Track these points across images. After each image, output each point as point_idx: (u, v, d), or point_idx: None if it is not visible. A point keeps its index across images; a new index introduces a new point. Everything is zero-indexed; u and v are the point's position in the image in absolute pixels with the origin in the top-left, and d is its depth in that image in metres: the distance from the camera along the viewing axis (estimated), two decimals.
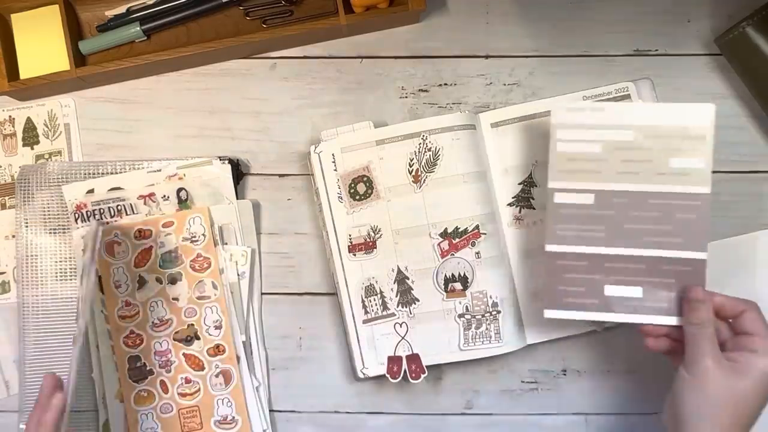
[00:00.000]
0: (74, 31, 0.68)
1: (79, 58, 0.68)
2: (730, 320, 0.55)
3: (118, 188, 0.66)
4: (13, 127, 0.69)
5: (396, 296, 0.65)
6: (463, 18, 0.69)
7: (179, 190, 0.66)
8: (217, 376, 0.64)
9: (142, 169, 0.67)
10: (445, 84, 0.69)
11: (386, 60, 0.69)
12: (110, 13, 0.69)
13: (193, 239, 0.65)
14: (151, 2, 0.68)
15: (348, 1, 0.66)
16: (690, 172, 0.58)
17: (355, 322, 0.65)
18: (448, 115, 0.65)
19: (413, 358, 0.64)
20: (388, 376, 0.64)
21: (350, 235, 0.66)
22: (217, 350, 0.64)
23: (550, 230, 0.59)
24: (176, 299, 0.64)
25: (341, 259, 0.66)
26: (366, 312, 0.65)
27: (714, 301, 0.55)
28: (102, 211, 0.66)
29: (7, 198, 0.68)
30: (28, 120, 0.69)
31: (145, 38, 0.69)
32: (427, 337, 0.64)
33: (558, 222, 0.59)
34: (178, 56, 0.65)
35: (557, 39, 0.69)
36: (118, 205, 0.66)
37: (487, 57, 0.69)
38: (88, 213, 0.66)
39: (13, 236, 0.67)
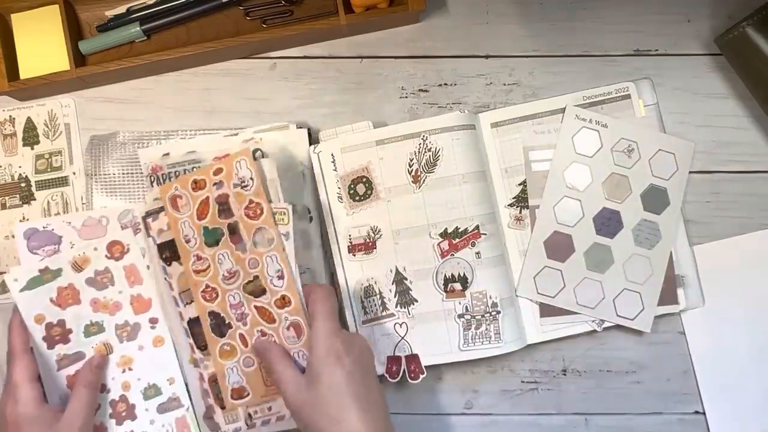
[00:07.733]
0: (74, 31, 0.68)
1: (79, 58, 0.68)
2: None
3: (194, 152, 0.66)
4: (14, 126, 0.69)
5: (394, 296, 0.65)
6: (463, 18, 0.69)
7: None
8: (288, 328, 0.60)
9: (218, 134, 0.67)
10: (445, 84, 0.69)
11: (386, 60, 0.69)
12: (110, 13, 0.69)
13: (243, 185, 0.61)
14: (151, 2, 0.68)
15: (348, 1, 0.66)
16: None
17: (355, 322, 0.65)
18: (448, 115, 0.65)
19: (412, 359, 0.64)
20: (387, 376, 0.64)
21: (350, 236, 0.65)
22: (283, 301, 0.60)
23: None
24: (239, 250, 0.62)
25: (341, 259, 0.66)
26: (366, 312, 0.65)
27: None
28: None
29: (7, 198, 0.68)
30: (29, 120, 0.69)
31: (145, 38, 0.69)
32: (427, 338, 0.64)
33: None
34: (178, 56, 0.65)
35: (557, 39, 0.69)
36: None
37: (487, 57, 0.69)
38: (164, 176, 0.65)
39: (14, 236, 0.67)
